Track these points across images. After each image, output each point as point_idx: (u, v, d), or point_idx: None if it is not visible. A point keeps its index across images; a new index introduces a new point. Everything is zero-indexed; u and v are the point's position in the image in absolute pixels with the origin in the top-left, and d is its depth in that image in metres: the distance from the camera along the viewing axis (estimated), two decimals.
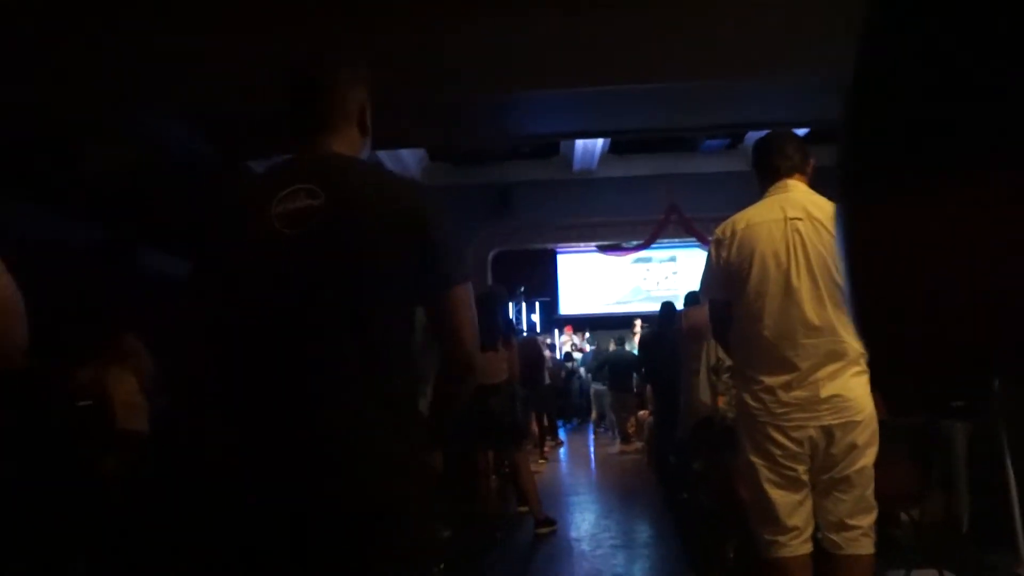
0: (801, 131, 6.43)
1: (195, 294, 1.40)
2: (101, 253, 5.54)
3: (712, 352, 4.67)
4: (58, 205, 5.04)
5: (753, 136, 8.35)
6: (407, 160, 8.29)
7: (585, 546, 4.64)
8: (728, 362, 4.39)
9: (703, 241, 9.56)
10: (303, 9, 3.62)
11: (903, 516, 3.42)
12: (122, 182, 5.18)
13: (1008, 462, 3.68)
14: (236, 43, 3.93)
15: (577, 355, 13.47)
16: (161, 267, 6.22)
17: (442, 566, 3.36)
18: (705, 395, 4.73)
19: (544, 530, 4.90)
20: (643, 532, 5.15)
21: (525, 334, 11.21)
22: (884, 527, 2.82)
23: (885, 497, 2.19)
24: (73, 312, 3.61)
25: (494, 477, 5.32)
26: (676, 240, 11.05)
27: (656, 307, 7.93)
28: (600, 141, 8.60)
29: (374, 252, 1.28)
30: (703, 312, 5.40)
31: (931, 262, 0.40)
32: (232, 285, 1.32)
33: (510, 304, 9.93)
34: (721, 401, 4.34)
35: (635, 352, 9.37)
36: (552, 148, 9.26)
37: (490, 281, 9.30)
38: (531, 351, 8.31)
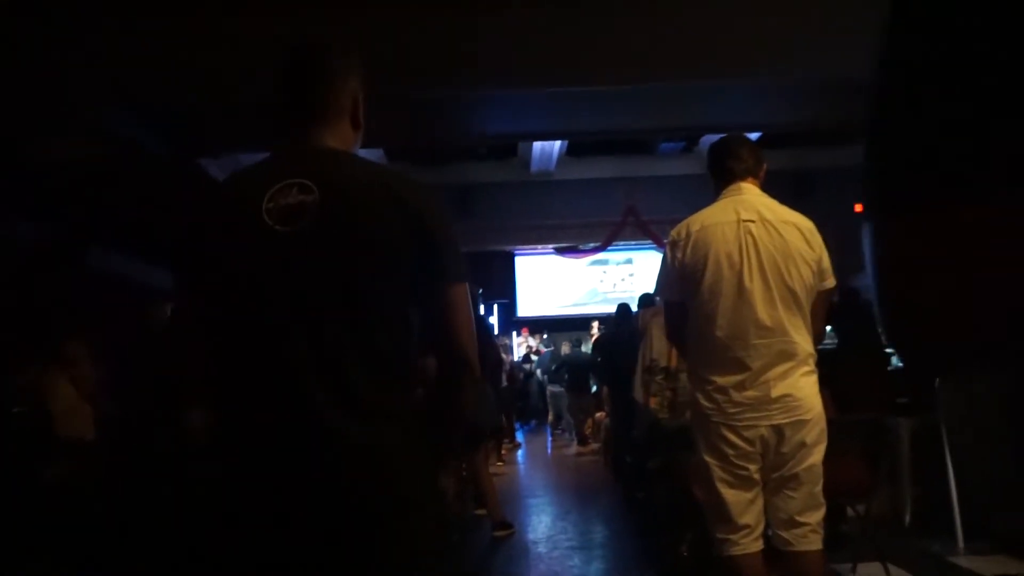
0: (754, 135, 6.58)
1: (186, 293, 1.35)
2: (48, 253, 5.34)
3: (647, 352, 4.73)
4: (4, 202, 4.84)
5: (709, 139, 8.50)
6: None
7: (542, 548, 4.65)
8: (662, 363, 4.46)
9: (659, 243, 9.70)
10: (261, 1, 3.56)
11: (849, 511, 3.51)
12: (72, 178, 5.00)
13: (948, 456, 3.83)
14: (193, 36, 3.83)
15: (534, 357, 13.50)
16: (110, 267, 6.03)
17: None
18: (639, 394, 4.78)
19: (502, 532, 4.89)
20: (600, 532, 5.18)
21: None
22: (832, 522, 2.89)
23: (834, 493, 2.24)
24: (13, 315, 3.48)
25: (451, 479, 5.29)
26: (633, 242, 11.19)
27: (612, 309, 8.01)
28: (558, 143, 8.65)
29: (371, 249, 1.24)
30: (647, 313, 5.48)
31: (948, 269, 0.41)
32: (224, 283, 1.27)
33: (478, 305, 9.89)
34: (653, 402, 4.38)
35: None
36: (510, 149, 9.28)
37: None
38: (490, 353, 8.29)
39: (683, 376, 4.08)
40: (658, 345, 4.56)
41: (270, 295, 1.24)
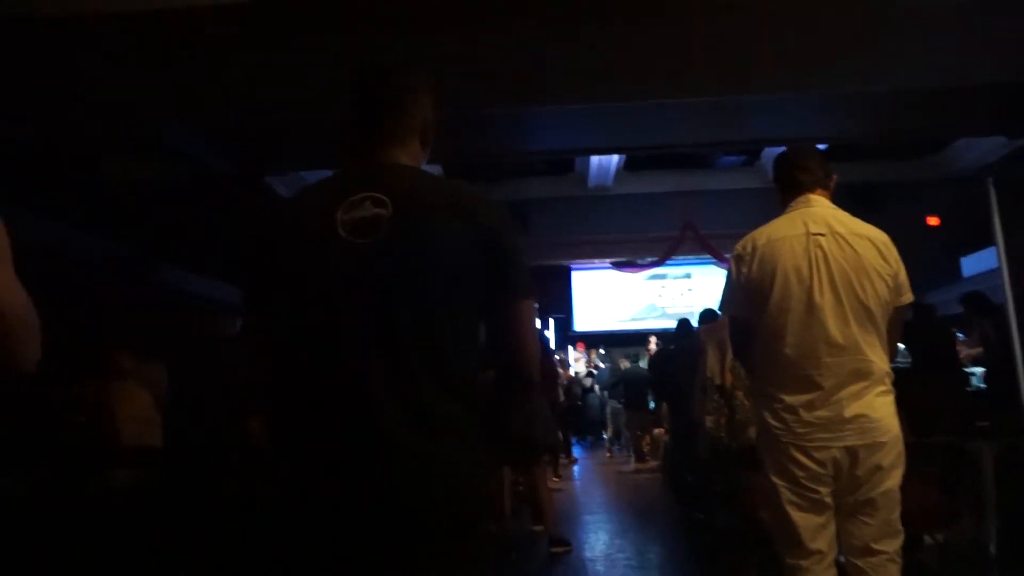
0: (821, 147, 6.39)
1: (258, 306, 1.37)
2: (120, 268, 5.58)
3: (703, 370, 4.63)
4: (78, 220, 5.09)
5: (770, 153, 8.30)
6: None
7: (600, 566, 4.57)
8: (716, 380, 4.34)
9: (718, 258, 9.51)
10: (322, 23, 3.65)
11: (928, 539, 3.33)
12: (143, 196, 5.23)
13: None
14: (258, 58, 3.96)
15: (595, 372, 13.40)
16: (180, 283, 6.27)
17: None
18: (697, 413, 4.67)
19: (559, 550, 4.83)
20: (659, 553, 5.07)
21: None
22: (909, 551, 2.75)
23: (911, 520, 2.13)
24: (78, 328, 3.64)
25: (509, 495, 5.26)
26: (691, 257, 11.00)
27: (670, 324, 7.88)
28: (615, 157, 8.59)
29: (443, 263, 1.25)
30: (704, 330, 5.36)
31: None
32: (298, 296, 1.28)
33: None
34: (709, 420, 4.27)
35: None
36: (567, 164, 9.27)
37: None
38: (546, 368, 8.26)
39: (739, 395, 3.98)
40: (712, 363, 4.46)
41: (344, 307, 1.25)
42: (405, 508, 1.19)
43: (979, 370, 5.34)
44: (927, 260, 7.37)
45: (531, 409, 4.71)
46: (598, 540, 5.37)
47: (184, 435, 3.50)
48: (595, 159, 8.56)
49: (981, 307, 5.12)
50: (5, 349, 1.19)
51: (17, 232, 1.27)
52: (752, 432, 2.41)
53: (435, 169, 8.82)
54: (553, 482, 7.73)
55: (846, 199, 2.32)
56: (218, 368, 3.56)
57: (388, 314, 1.23)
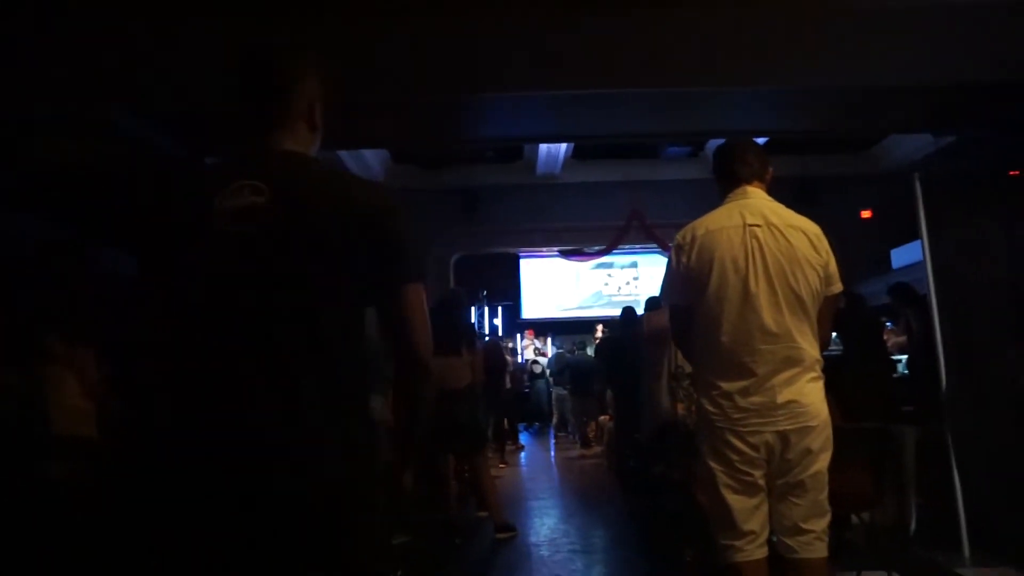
0: (760, 140, 6.55)
1: (142, 292, 1.37)
2: (50, 251, 5.35)
3: (673, 358, 4.73)
4: (6, 200, 4.85)
5: (714, 144, 8.48)
6: (370, 161, 8.21)
7: (544, 551, 4.63)
8: (688, 368, 4.44)
9: (664, 247, 9.67)
10: (269, 4, 3.56)
11: (855, 519, 3.49)
12: (73, 177, 5.01)
13: (954, 465, 3.80)
14: (194, 33, 3.84)
15: (541, 359, 13.50)
16: (113, 266, 6.04)
17: (400, 572, 3.32)
18: (665, 400, 4.78)
19: (504, 535, 4.88)
20: (603, 537, 5.17)
21: (487, 338, 11.18)
22: (837, 530, 2.87)
23: (839, 500, 2.22)
24: (12, 311, 3.48)
25: (454, 482, 5.28)
26: (638, 246, 11.16)
27: (617, 312, 8.00)
28: (564, 146, 8.64)
29: (322, 250, 1.24)
30: (664, 317, 5.46)
31: None
32: (176, 283, 1.28)
33: (472, 308, 9.89)
34: (680, 408, 4.38)
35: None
36: (516, 152, 9.28)
37: (452, 285, 9.26)
38: (493, 355, 8.29)
39: None
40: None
41: (219, 294, 1.24)
42: (277, 501, 1.18)
43: (905, 357, 5.59)
44: (860, 252, 7.66)
45: (471, 398, 4.74)
46: (543, 525, 5.45)
47: (115, 424, 3.39)
48: (544, 147, 8.59)
49: (907, 297, 5.35)
50: None
51: None
52: None
53: (382, 155, 8.72)
54: (499, 468, 7.79)
55: (784, 191, 2.39)
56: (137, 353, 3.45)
57: (264, 303, 1.23)
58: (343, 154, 7.04)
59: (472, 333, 5.56)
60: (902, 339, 5.62)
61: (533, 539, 4.96)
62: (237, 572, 1.20)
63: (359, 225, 1.26)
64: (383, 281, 1.29)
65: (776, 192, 2.35)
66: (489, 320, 13.49)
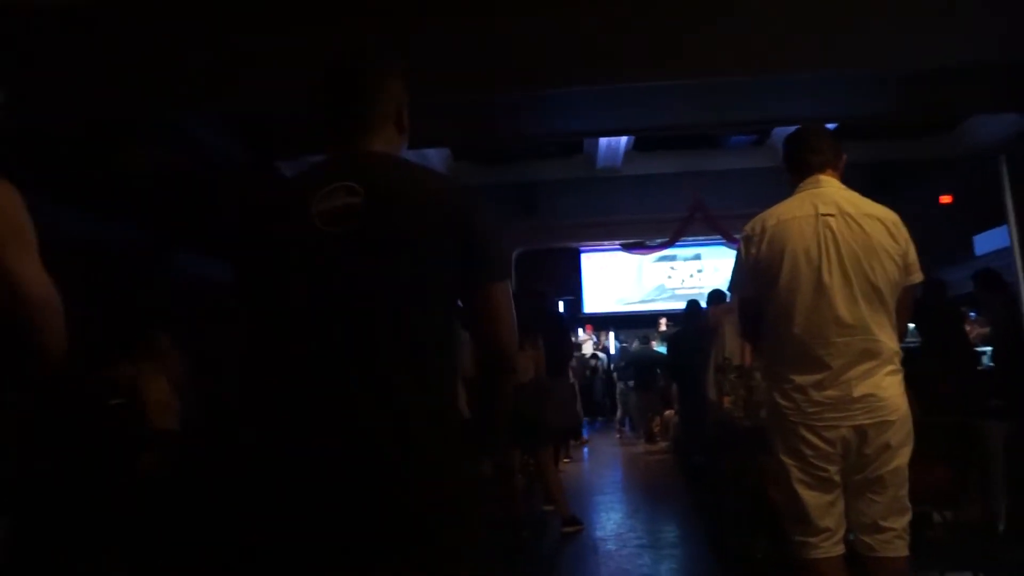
0: (830, 126, 6.33)
1: (238, 295, 1.40)
2: (138, 254, 5.64)
3: (720, 351, 4.63)
4: (96, 206, 5.13)
5: (780, 132, 8.24)
6: (432, 159, 8.32)
7: (611, 546, 4.62)
8: (736, 360, 4.35)
9: (728, 239, 9.48)
10: (334, 9, 3.65)
11: (937, 517, 3.35)
12: (159, 184, 5.27)
13: None
14: (271, 45, 3.97)
15: (601, 354, 13.42)
16: (197, 269, 6.33)
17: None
18: (712, 393, 4.69)
19: (570, 529, 4.89)
20: (669, 532, 5.11)
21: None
22: (918, 528, 2.77)
23: (919, 498, 2.15)
24: (107, 312, 3.68)
25: (520, 476, 5.31)
26: (701, 238, 10.98)
27: (680, 305, 7.89)
28: (624, 138, 8.56)
29: (416, 248, 1.27)
30: (718, 310, 5.36)
31: None
32: (275, 285, 1.31)
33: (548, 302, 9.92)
34: (727, 401, 4.29)
35: (661, 351, 9.32)
36: (576, 146, 9.24)
37: (513, 280, 9.30)
38: (565, 350, 8.27)
39: (757, 375, 3.99)
40: (731, 343, 4.47)
41: (317, 295, 1.27)
42: (382, 503, 1.21)
43: (989, 349, 5.33)
44: (940, 239, 7.34)
45: (536, 392, 4.75)
46: (609, 520, 5.43)
47: (198, 420, 3.55)
48: (604, 140, 8.53)
49: (992, 285, 5.09)
50: (32, 335, 1.23)
51: (41, 220, 1.30)
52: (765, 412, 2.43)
53: (443, 153, 8.82)
54: (564, 463, 7.80)
55: (857, 179, 2.32)
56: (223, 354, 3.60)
57: (362, 301, 1.26)
58: (405, 153, 7.16)
59: (557, 323, 5.54)
60: (985, 330, 5.36)
61: (599, 534, 4.96)
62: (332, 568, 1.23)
63: (451, 224, 1.29)
64: (471, 279, 1.31)
65: (848, 180, 2.28)
66: (562, 316, 13.49)
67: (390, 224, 1.27)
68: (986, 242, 7.44)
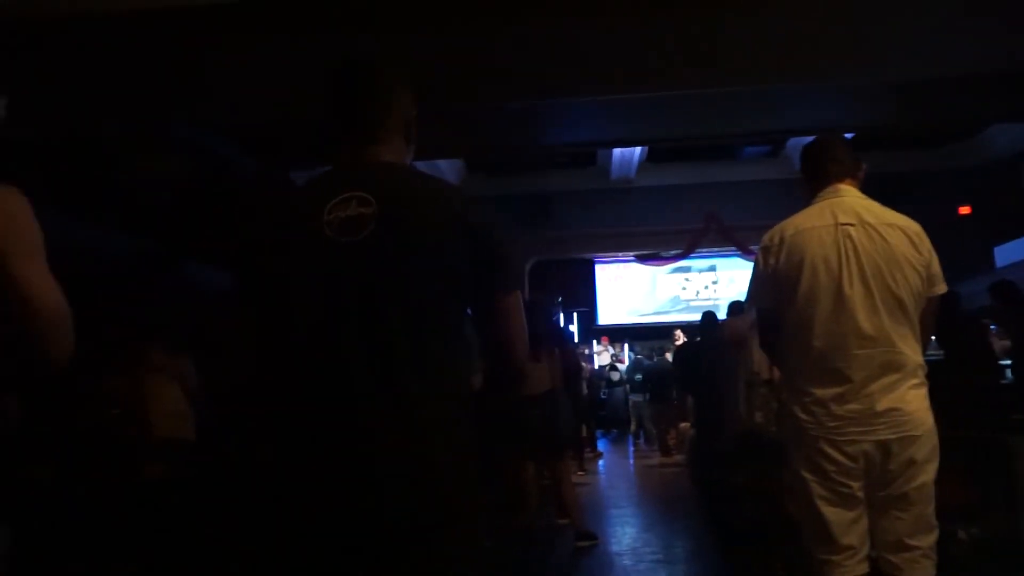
0: (846, 136, 6.28)
1: (248, 304, 1.39)
2: (143, 264, 5.66)
3: (746, 365, 4.58)
4: (102, 216, 5.17)
5: (794, 143, 8.19)
6: (444, 171, 8.35)
7: (627, 560, 4.56)
8: (764, 375, 4.29)
9: (743, 250, 9.43)
10: (341, 18, 3.66)
11: (960, 534, 3.27)
12: (165, 193, 5.30)
13: None
14: (277, 54, 3.99)
15: (620, 366, 13.35)
16: (204, 279, 6.35)
17: None
18: (743, 407, 4.64)
19: (585, 543, 4.83)
20: (684, 547, 5.04)
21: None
22: (942, 546, 2.70)
23: (942, 514, 2.09)
24: (108, 322, 3.68)
25: (534, 489, 5.26)
26: (716, 249, 10.91)
27: (695, 317, 7.82)
28: (638, 149, 8.55)
29: (429, 258, 1.27)
30: (743, 322, 5.31)
31: None
32: (286, 294, 1.30)
33: (554, 313, 9.88)
34: (758, 416, 4.24)
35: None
36: (589, 157, 9.24)
37: (527, 291, 9.29)
38: (568, 361, 8.23)
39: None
40: (758, 357, 4.42)
41: (330, 305, 1.26)
42: (388, 510, 1.20)
43: (1010, 362, 5.22)
44: (958, 250, 7.24)
45: (551, 403, 4.71)
46: (624, 534, 5.36)
47: (211, 429, 3.55)
48: (617, 151, 8.52)
49: (1009, 297, 5.00)
50: (40, 342, 1.22)
51: (48, 230, 1.29)
52: None
53: (456, 164, 8.84)
54: (578, 476, 7.73)
55: (874, 189, 2.28)
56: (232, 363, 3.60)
57: (375, 311, 1.25)
58: (417, 164, 7.19)
59: (560, 337, 5.53)
60: (1006, 342, 5.27)
61: (615, 548, 4.89)
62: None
63: (462, 234, 1.28)
64: (483, 289, 1.31)
65: (864, 191, 2.24)
66: (565, 327, 13.44)
67: (402, 234, 1.27)
68: (1008, 253, 7.32)
